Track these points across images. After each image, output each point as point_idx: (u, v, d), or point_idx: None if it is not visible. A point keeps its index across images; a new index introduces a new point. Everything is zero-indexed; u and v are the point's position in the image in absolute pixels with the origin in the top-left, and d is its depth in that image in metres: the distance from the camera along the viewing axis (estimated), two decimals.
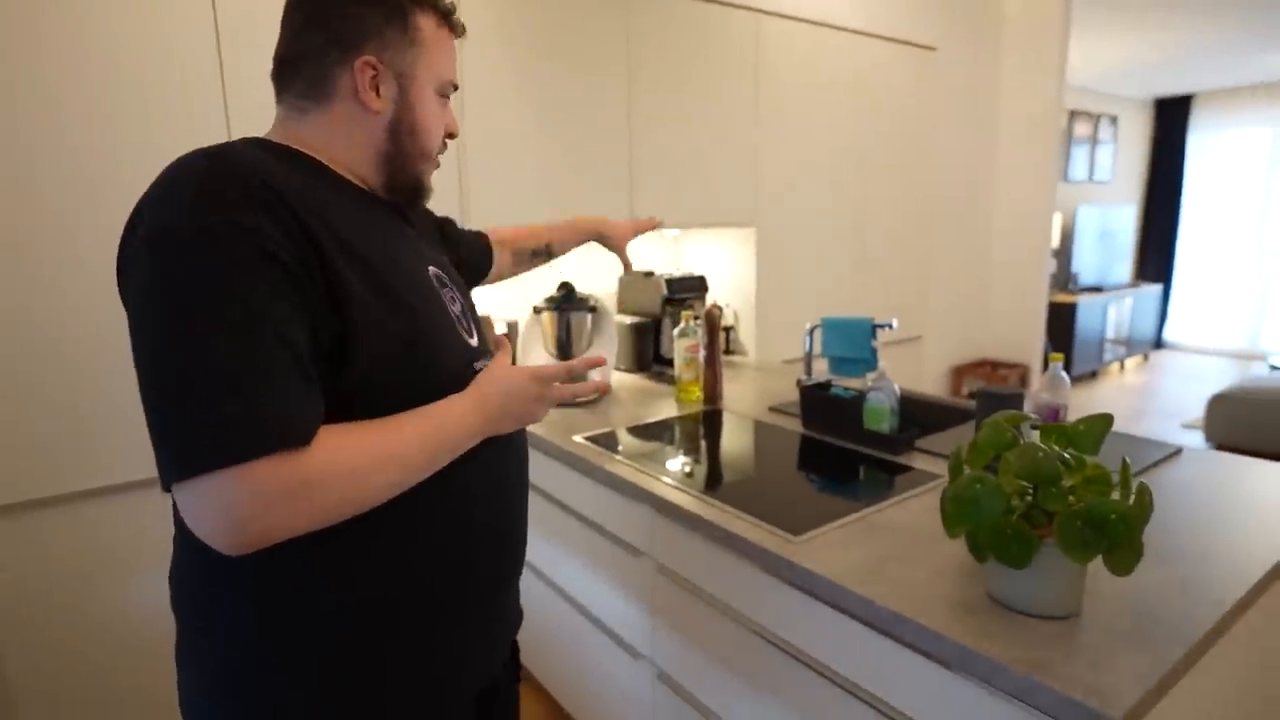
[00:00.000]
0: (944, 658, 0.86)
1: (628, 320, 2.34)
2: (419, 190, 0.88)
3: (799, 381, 1.71)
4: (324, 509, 0.65)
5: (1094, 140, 6.17)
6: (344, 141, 0.81)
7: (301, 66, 0.78)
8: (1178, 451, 1.46)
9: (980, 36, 3.39)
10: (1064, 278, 5.81)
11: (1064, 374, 1.53)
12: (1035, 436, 0.91)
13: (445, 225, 1.15)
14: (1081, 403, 5.01)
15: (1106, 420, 0.88)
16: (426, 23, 0.82)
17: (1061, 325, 5.38)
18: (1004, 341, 3.59)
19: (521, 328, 2.11)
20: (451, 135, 0.90)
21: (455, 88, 0.88)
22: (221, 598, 0.72)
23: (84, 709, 1.58)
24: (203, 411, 0.59)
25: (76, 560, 1.54)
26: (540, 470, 1.73)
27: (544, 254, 1.33)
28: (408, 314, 0.76)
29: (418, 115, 0.83)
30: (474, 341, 0.89)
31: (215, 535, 0.61)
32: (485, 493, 0.85)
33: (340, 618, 0.73)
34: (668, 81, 2.30)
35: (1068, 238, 5.79)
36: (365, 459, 0.67)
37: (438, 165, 0.90)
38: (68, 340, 1.47)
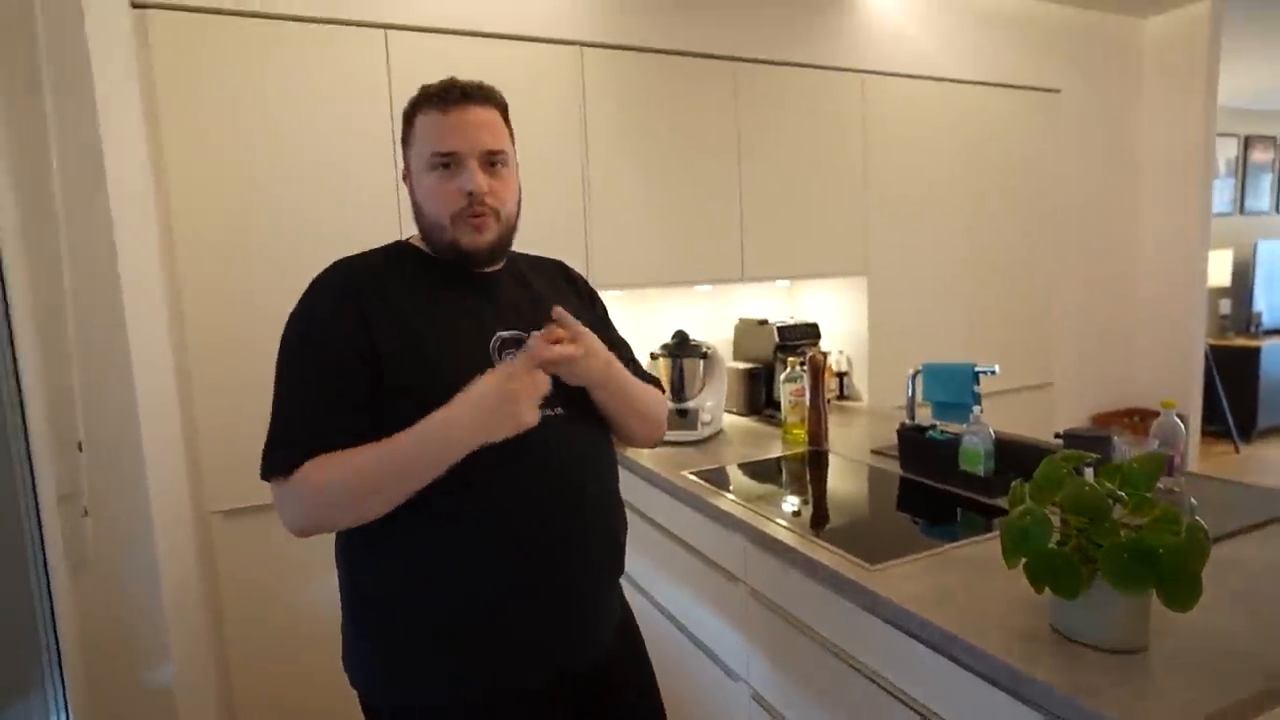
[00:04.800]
0: (994, 677, 0.92)
1: (741, 366, 2.48)
2: (458, 250, 1.02)
3: (900, 425, 1.77)
4: (313, 512, 0.92)
5: (1278, 167, 5.59)
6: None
7: None
8: None
9: (1112, 72, 3.27)
10: (1243, 319, 5.25)
11: (1177, 421, 1.50)
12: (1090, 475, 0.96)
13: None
14: (1262, 459, 4.46)
15: (1159, 459, 0.92)
16: (424, 119, 1.01)
17: (1243, 372, 4.85)
18: (1154, 388, 3.34)
19: None
20: (472, 195, 0.98)
21: (447, 153, 0.98)
22: (340, 564, 1.04)
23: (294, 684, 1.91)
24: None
25: (288, 557, 1.89)
26: (651, 501, 1.89)
27: None
28: (427, 361, 0.96)
29: (417, 195, 1.04)
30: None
31: None
32: (512, 511, 0.95)
33: (389, 589, 0.97)
34: (775, 142, 2.46)
35: (1244, 275, 5.25)
36: (340, 478, 0.90)
37: (477, 225, 1.00)
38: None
